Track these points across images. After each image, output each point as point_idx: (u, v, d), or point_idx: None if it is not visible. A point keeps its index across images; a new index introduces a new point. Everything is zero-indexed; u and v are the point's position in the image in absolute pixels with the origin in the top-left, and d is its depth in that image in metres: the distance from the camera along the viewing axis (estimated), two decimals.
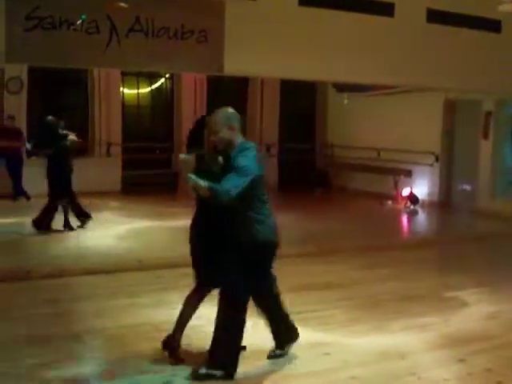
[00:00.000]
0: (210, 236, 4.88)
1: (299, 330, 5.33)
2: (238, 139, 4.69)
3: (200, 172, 4.47)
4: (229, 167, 4.53)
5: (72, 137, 10.39)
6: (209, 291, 5.09)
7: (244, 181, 4.43)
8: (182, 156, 4.93)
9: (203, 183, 4.30)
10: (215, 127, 4.63)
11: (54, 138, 10.13)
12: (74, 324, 6.04)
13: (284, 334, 5.26)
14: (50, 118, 10.55)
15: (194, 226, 5.04)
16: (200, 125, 4.98)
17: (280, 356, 5.19)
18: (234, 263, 4.73)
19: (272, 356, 5.20)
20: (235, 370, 4.72)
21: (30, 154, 10.60)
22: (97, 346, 5.54)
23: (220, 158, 4.71)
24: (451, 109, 14.58)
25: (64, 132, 10.34)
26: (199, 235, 4.99)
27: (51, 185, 10.13)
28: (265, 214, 4.79)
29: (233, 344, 4.76)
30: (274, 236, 4.88)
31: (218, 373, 4.67)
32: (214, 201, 4.43)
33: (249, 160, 4.51)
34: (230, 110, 4.82)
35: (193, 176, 4.34)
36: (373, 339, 5.76)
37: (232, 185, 4.37)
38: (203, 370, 4.69)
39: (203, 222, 4.94)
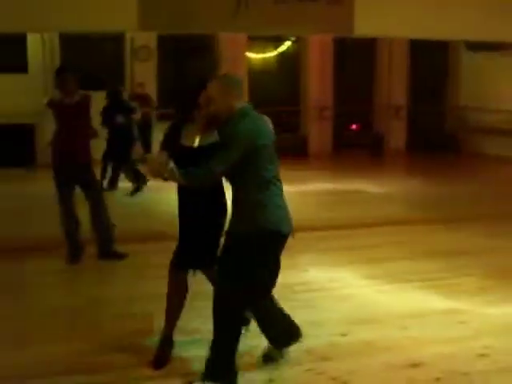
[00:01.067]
0: (194, 219, 4.35)
1: (429, 297, 5.20)
2: (239, 105, 4.04)
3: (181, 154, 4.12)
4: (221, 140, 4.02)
5: (139, 113, 11.13)
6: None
7: (229, 155, 3.86)
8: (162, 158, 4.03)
9: (177, 171, 3.86)
10: (213, 94, 4.04)
11: (119, 108, 10.73)
12: (208, 283, 6.19)
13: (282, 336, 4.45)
14: (115, 88, 11.24)
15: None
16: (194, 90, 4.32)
17: (274, 359, 4.42)
18: (229, 256, 4.07)
19: (266, 358, 4.44)
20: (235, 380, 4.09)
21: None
22: None
23: (215, 133, 4.14)
24: None
25: (132, 105, 11.12)
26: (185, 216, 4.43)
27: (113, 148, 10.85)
28: (268, 195, 3.99)
29: (231, 352, 4.05)
30: (279, 224, 4.04)
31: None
32: (194, 187, 4.05)
33: (239, 129, 3.90)
34: (230, 76, 4.36)
35: (171, 165, 3.86)
36: (507, 310, 5.55)
37: (214, 163, 3.86)
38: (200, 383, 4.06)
39: (188, 201, 4.38)
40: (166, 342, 4.49)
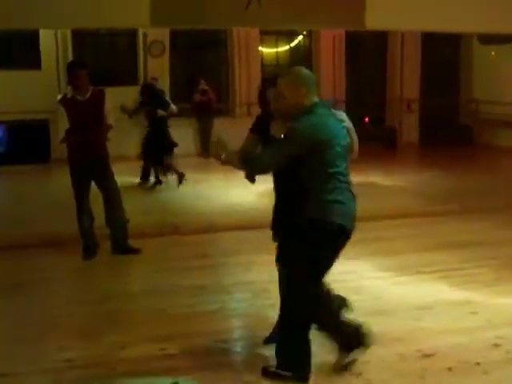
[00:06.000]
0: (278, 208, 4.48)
1: (443, 287, 5.23)
2: (307, 102, 3.99)
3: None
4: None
5: (173, 107, 10.94)
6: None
7: (282, 150, 3.93)
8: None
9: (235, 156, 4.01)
10: (282, 90, 4.02)
11: (155, 102, 10.74)
12: (222, 277, 6.30)
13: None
14: (149, 82, 11.53)
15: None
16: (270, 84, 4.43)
17: (347, 366, 4.24)
18: (294, 245, 4.08)
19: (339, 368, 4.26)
20: (308, 372, 4.09)
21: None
22: (244, 298, 5.75)
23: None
24: None
25: (166, 99, 11.08)
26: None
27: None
28: (329, 190, 3.95)
29: (300, 342, 4.08)
30: (336, 217, 3.96)
31: (288, 374, 4.05)
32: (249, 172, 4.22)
33: (299, 126, 3.90)
34: (302, 70, 4.18)
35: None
36: None
37: (267, 155, 3.99)
38: (272, 369, 4.13)
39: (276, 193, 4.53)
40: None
